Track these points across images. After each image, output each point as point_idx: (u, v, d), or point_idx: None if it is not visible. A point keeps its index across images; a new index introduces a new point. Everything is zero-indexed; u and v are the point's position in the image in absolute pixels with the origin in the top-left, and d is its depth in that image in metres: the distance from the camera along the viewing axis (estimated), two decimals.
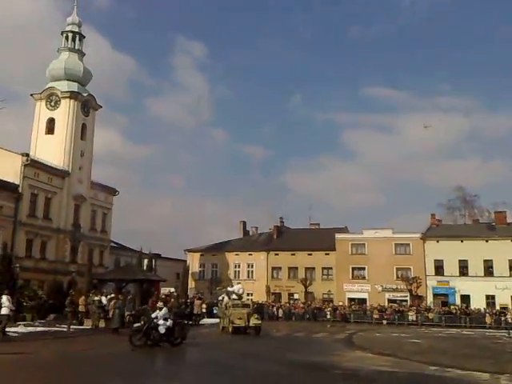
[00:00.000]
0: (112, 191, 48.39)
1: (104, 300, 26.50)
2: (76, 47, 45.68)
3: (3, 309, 18.41)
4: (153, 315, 17.86)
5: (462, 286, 46.16)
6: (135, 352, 16.72)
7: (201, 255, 56.77)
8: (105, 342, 20.34)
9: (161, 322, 17.36)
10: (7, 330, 19.79)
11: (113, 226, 48.29)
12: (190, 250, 57.33)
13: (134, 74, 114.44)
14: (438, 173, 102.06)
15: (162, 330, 17.24)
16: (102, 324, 25.56)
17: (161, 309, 18.06)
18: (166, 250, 76.78)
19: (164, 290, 37.82)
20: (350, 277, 50.43)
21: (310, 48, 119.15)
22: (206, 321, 33.51)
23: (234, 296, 27.37)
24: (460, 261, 47.14)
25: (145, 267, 39.55)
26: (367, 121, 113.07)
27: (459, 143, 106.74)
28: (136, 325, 17.97)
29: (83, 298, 26.88)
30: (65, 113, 42.85)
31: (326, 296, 49.56)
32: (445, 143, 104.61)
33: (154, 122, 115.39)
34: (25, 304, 28.92)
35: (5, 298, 19.04)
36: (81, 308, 26.20)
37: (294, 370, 13.80)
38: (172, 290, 42.03)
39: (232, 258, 55.12)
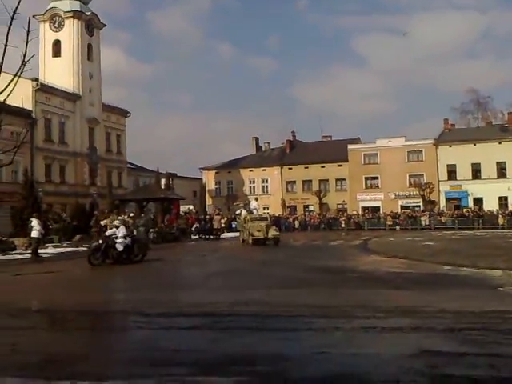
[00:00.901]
0: (124, 113, 48.47)
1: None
2: None
3: (34, 232, 19.26)
4: (107, 233, 17.35)
5: (474, 189, 46.67)
6: (162, 265, 17.68)
7: (216, 173, 57.60)
8: None
9: (119, 240, 16.65)
10: (39, 251, 20.81)
11: (128, 147, 48.93)
12: (204, 168, 58.14)
13: None
14: (451, 75, 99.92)
15: (119, 247, 16.62)
16: None
17: (117, 227, 17.26)
18: (181, 169, 78.05)
19: (183, 208, 38.92)
20: (364, 186, 51.15)
21: None
22: (227, 235, 34.68)
23: (254, 209, 28.09)
24: (473, 164, 47.40)
25: (163, 186, 40.37)
26: (378, 23, 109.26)
27: (473, 42, 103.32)
28: (94, 244, 17.46)
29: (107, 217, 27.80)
30: (69, 33, 42.15)
31: (340, 206, 50.60)
32: (458, 43, 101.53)
33: (158, 37, 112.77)
34: (51, 227, 30.04)
35: (35, 221, 19.83)
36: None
37: (312, 273, 14.46)
38: (191, 207, 43.20)
39: (246, 174, 55.89)
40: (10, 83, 13.56)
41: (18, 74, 13.80)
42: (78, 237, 29.85)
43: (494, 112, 67.14)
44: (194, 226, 33.37)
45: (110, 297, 10.99)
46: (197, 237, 32.30)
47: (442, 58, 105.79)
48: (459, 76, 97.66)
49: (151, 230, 26.40)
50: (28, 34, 12.73)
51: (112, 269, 16.31)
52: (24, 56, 13.50)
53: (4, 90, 13.55)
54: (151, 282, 13.78)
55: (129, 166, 49.74)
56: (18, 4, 12.55)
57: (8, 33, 12.89)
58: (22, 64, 13.75)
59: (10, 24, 12.70)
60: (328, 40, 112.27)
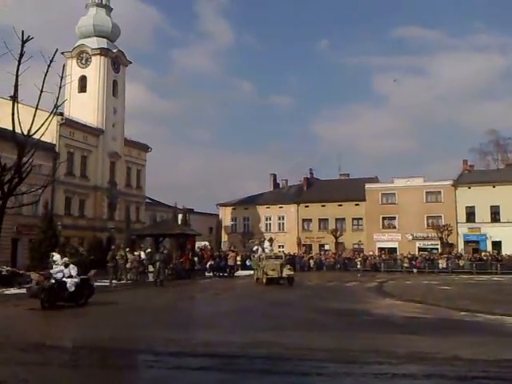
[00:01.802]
0: (145, 147, 49.36)
1: (143, 255, 27.70)
2: (103, 2, 45.67)
3: (56, 268, 19.47)
4: (54, 271, 15.59)
5: (493, 232, 46.05)
6: (176, 302, 17.73)
7: (232, 209, 57.86)
8: (149, 294, 21.46)
9: (68, 279, 15.22)
10: None
11: (147, 182, 49.63)
12: (222, 205, 58.47)
13: (157, 25, 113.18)
14: (471, 116, 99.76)
15: (71, 288, 15.14)
16: (149, 278, 26.63)
17: (67, 265, 15.81)
18: (198, 204, 78.47)
19: (199, 244, 39.05)
20: (381, 226, 50.82)
21: None
22: (241, 273, 34.62)
23: (267, 249, 28.12)
24: (492, 207, 46.87)
25: (179, 222, 40.67)
26: (398, 63, 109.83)
27: (494, 83, 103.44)
28: (46, 283, 14.96)
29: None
30: (96, 70, 43.45)
31: (356, 246, 50.26)
32: (479, 83, 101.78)
33: (181, 74, 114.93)
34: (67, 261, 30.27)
35: (57, 256, 20.07)
36: (128, 264, 27.23)
37: (326, 316, 14.44)
38: (206, 243, 43.28)
39: (263, 211, 56.03)
40: (42, 124, 14.09)
41: (50, 118, 14.34)
42: (92, 271, 29.93)
43: None
44: (209, 262, 33.43)
45: (122, 333, 11.04)
46: (211, 274, 32.29)
47: (463, 97, 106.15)
48: (479, 116, 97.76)
49: (166, 267, 26.50)
50: (61, 80, 13.24)
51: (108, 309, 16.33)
52: (57, 100, 14.04)
53: (38, 130, 14.08)
54: (163, 319, 13.84)
55: (147, 200, 50.32)
56: (55, 54, 13.09)
57: (44, 80, 13.45)
58: (54, 108, 14.30)
59: (47, 71, 13.23)
60: (348, 78, 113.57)
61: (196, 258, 33.31)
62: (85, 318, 14.11)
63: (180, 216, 43.24)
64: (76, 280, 15.42)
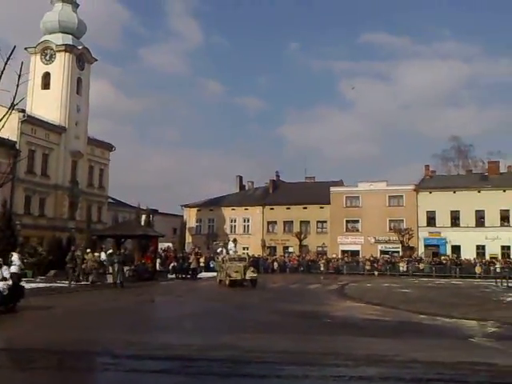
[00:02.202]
0: (108, 146, 48.52)
1: (103, 256, 27.20)
2: None
3: (13, 267, 18.94)
4: None
5: (453, 236, 47.15)
6: (136, 305, 17.48)
7: (197, 210, 57.52)
8: (108, 296, 21.10)
9: (0, 283, 14.44)
10: None
11: (110, 181, 48.79)
12: (186, 206, 58.08)
13: (126, 23, 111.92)
14: (434, 122, 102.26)
15: (5, 291, 14.33)
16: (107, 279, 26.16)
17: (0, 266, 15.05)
18: (162, 205, 77.80)
19: (162, 245, 38.66)
20: (344, 229, 51.38)
21: None
22: (204, 274, 34.44)
23: (231, 250, 28.11)
24: (452, 212, 47.92)
25: (143, 223, 40.17)
26: (366, 69, 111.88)
27: (457, 90, 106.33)
28: None
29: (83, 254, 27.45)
30: (60, 66, 42.48)
31: (320, 249, 50.63)
32: (443, 91, 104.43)
33: (149, 72, 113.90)
34: (25, 261, 29.45)
35: (15, 256, 19.49)
36: (83, 265, 26.72)
37: (287, 318, 14.48)
38: (170, 245, 42.92)
39: (228, 212, 55.90)
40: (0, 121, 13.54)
41: (7, 116, 13.78)
42: (52, 272, 29.33)
43: (474, 160, 68.89)
44: (172, 264, 33.12)
45: (80, 336, 10.79)
46: (174, 276, 32.00)
47: (427, 104, 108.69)
48: (442, 123, 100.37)
49: (127, 268, 26.12)
50: (19, 78, 12.71)
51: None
52: (14, 98, 13.50)
53: None
54: (122, 321, 13.61)
55: (110, 200, 49.46)
56: (13, 51, 12.54)
57: (0, 77, 12.88)
58: (10, 106, 13.75)
59: (3, 68, 12.69)
60: (316, 82, 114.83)
61: (159, 260, 32.99)
62: (40, 320, 13.73)
63: (143, 217, 42.69)
64: (9, 282, 14.67)
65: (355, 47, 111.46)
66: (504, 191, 46.52)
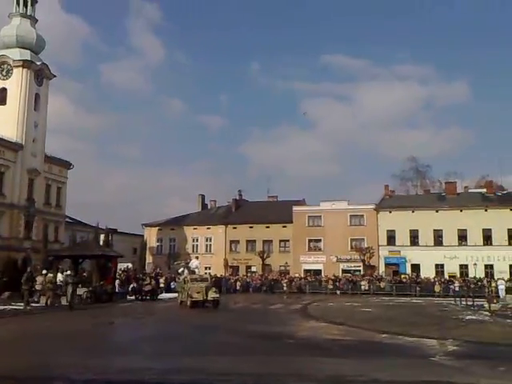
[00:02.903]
0: (66, 164, 47.49)
1: (60, 277, 26.38)
2: (28, 13, 43.83)
3: None
4: None
5: (412, 255, 47.96)
6: (93, 327, 16.91)
7: (158, 229, 56.73)
8: (65, 319, 20.40)
9: None
10: None
11: (68, 200, 47.62)
12: (147, 225, 57.20)
13: (86, 39, 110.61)
14: (393, 143, 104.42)
15: None
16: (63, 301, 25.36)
17: None
18: (122, 224, 76.45)
19: (121, 266, 37.79)
20: (307, 249, 51.57)
21: (270, 14, 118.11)
22: (165, 295, 33.79)
23: (196, 269, 27.76)
24: (411, 231, 48.80)
25: (101, 243, 39.25)
26: (327, 90, 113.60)
27: (415, 112, 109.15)
28: None
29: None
30: (17, 82, 41.54)
31: (282, 268, 50.60)
32: (401, 112, 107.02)
33: (109, 89, 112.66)
34: None
35: None
36: (37, 286, 25.90)
37: (250, 339, 14.28)
38: (130, 265, 42.03)
39: (190, 231, 55.35)
40: None
41: None
42: (6, 294, 28.22)
43: (432, 181, 70.75)
44: (131, 285, 32.37)
45: (35, 360, 10.29)
46: (133, 297, 31.26)
47: (386, 125, 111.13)
48: (401, 144, 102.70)
49: (84, 290, 25.38)
50: None
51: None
52: None
53: None
54: (79, 345, 13.10)
55: (67, 219, 48.27)
56: None
57: None
58: None
59: None
60: (278, 102, 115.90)
61: (118, 281, 32.23)
62: None
63: (102, 236, 41.77)
64: None
65: (316, 68, 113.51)
66: (461, 211, 47.76)
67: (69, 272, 26.69)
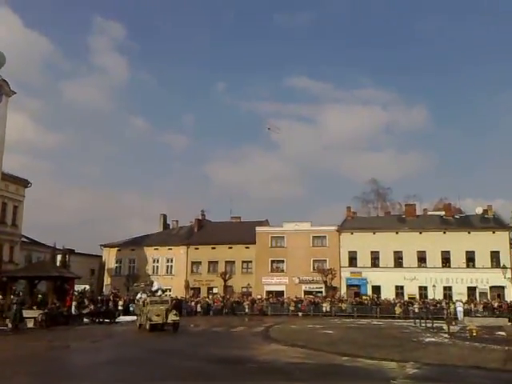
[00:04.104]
0: (24, 182, 46.06)
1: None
2: None
3: None
4: None
5: (373, 276, 48.33)
6: (47, 351, 16.22)
7: (118, 250, 55.49)
8: (17, 342, 19.55)
9: None
10: None
11: (24, 219, 46.10)
12: (106, 245, 55.89)
13: (48, 56, 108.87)
14: (355, 165, 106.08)
15: None
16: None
17: None
18: (81, 245, 74.54)
19: (78, 287, 36.71)
20: (269, 270, 51.36)
21: (234, 35, 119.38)
22: (123, 318, 32.84)
23: (159, 291, 27.16)
24: (372, 252, 49.28)
25: (58, 263, 38.13)
26: (291, 111, 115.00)
27: (377, 136, 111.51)
28: None
29: None
30: None
31: (244, 289, 50.17)
32: (363, 135, 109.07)
33: (70, 107, 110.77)
34: None
35: None
36: None
37: (210, 364, 13.96)
38: (87, 287, 40.90)
39: (151, 252, 54.36)
40: None
41: None
42: None
43: (392, 203, 72.09)
44: (89, 307, 31.41)
45: None
46: (90, 320, 30.30)
47: (348, 147, 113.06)
48: (363, 166, 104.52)
49: (39, 312, 24.44)
50: None
51: None
52: None
53: None
54: (31, 370, 12.51)
55: (23, 239, 46.63)
56: None
57: None
58: None
59: None
60: (242, 123, 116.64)
61: (74, 303, 31.26)
62: None
63: (59, 257, 40.63)
64: None
65: (280, 90, 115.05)
66: (420, 233, 48.65)
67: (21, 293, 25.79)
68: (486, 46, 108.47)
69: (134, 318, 28.69)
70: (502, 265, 40.03)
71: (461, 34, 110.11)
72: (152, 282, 31.56)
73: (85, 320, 30.18)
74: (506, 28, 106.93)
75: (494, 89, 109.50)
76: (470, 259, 47.13)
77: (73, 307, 30.39)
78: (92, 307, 31.36)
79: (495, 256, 46.18)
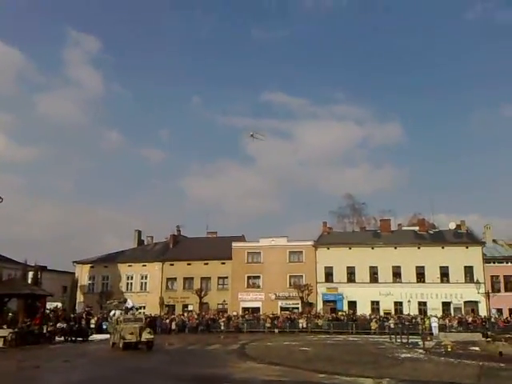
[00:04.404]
0: None
1: None
2: None
3: None
4: None
5: (349, 292, 48.37)
6: (17, 371, 15.70)
7: (91, 267, 54.46)
8: None
9: None
10: None
11: None
12: (79, 262, 54.82)
13: (21, 69, 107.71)
14: (331, 180, 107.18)
15: None
16: None
17: None
18: (53, 261, 73.22)
19: (50, 305, 35.89)
20: (245, 286, 51.00)
21: (211, 50, 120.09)
22: (96, 337, 32.16)
23: (134, 308, 26.71)
24: (348, 267, 49.32)
25: (29, 280, 37.23)
26: (267, 126, 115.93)
27: (352, 151, 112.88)
28: None
29: None
30: None
31: (220, 306, 49.72)
32: (338, 151, 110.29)
33: (43, 120, 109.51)
34: None
35: None
36: None
37: (185, 383, 13.69)
38: (59, 304, 39.98)
39: (124, 269, 53.51)
40: None
41: None
42: None
43: (367, 218, 72.67)
44: (61, 326, 30.68)
45: None
46: (62, 338, 29.59)
47: (324, 163, 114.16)
48: (338, 181, 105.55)
49: (10, 331, 23.74)
50: None
51: None
52: None
53: None
54: None
55: None
56: None
57: None
58: None
59: None
60: (218, 137, 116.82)
61: (46, 321, 30.48)
62: None
63: (30, 274, 39.66)
64: None
65: (256, 105, 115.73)
66: (395, 248, 48.99)
67: None
68: (458, 65, 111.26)
69: (108, 336, 28.11)
70: (475, 280, 40.53)
71: (432, 52, 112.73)
72: (125, 300, 31.00)
73: (57, 339, 29.51)
74: (479, 48, 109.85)
75: (466, 107, 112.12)
76: (444, 274, 47.57)
77: (44, 326, 29.62)
78: (64, 325, 30.64)
79: (469, 271, 46.72)
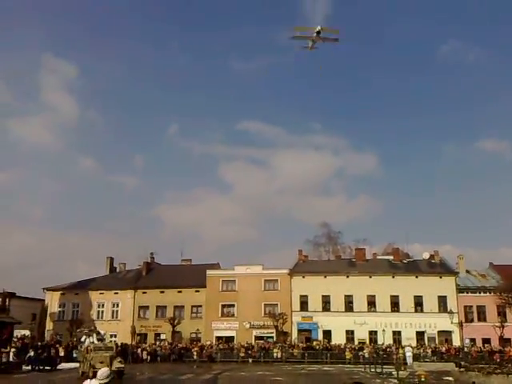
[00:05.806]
0: None
1: None
2: None
3: None
4: None
5: (324, 321, 47.99)
6: None
7: (61, 294, 53.05)
8: None
9: None
10: None
11: None
12: (49, 289, 53.44)
13: None
14: (307, 209, 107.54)
15: None
16: None
17: None
18: (22, 288, 71.14)
19: (18, 333, 34.77)
20: (220, 314, 50.27)
21: (188, 78, 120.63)
22: (65, 365, 31.20)
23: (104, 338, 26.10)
24: (323, 296, 49.04)
25: None
26: (244, 154, 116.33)
27: (328, 180, 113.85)
28: None
29: None
30: None
31: (193, 335, 48.79)
32: (315, 179, 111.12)
33: (15, 145, 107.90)
34: None
35: None
36: None
37: None
38: (27, 332, 38.75)
39: (96, 296, 52.26)
40: None
41: None
42: None
43: (343, 247, 73.01)
44: (28, 354, 29.71)
45: None
46: (30, 367, 28.61)
47: (300, 191, 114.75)
48: (314, 210, 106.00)
49: None
50: None
51: None
52: None
53: None
54: None
55: None
56: None
57: None
58: None
59: None
60: (195, 165, 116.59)
61: (13, 350, 29.54)
62: None
63: None
64: None
65: (233, 133, 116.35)
66: (370, 277, 49.04)
67: None
68: (432, 94, 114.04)
69: (77, 364, 27.30)
70: (449, 309, 40.79)
71: (407, 83, 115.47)
72: (95, 328, 30.26)
73: (24, 367, 28.56)
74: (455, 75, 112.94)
75: (441, 135, 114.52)
76: (419, 304, 47.71)
77: (11, 354, 28.68)
78: (32, 354, 29.68)
79: (442, 301, 46.98)
